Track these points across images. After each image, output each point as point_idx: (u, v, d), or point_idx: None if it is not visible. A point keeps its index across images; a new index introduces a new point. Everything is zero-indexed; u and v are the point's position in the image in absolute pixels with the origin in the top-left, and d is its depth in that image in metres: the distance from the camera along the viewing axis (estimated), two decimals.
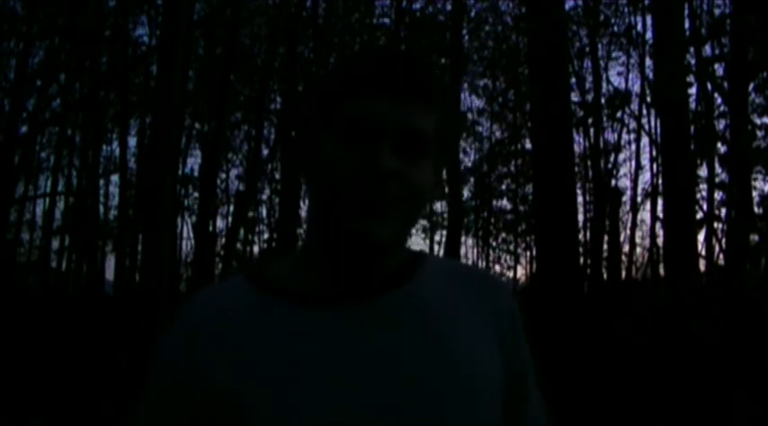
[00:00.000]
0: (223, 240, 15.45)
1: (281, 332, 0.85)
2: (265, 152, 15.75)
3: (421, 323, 0.87)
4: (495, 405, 0.88)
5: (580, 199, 12.82)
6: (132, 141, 17.78)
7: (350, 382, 0.82)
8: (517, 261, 19.60)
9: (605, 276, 12.55)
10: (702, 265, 7.55)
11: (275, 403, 0.80)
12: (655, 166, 12.13)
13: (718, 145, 6.42)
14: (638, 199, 13.71)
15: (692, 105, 9.37)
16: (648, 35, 11.59)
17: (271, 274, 0.91)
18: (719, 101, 8.19)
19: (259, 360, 0.83)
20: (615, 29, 12.98)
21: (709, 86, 8.60)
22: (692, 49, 8.03)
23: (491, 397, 0.88)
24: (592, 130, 13.15)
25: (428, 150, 0.86)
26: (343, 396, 0.81)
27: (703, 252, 8.01)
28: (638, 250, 14.53)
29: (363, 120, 0.83)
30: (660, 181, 9.02)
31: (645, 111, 12.34)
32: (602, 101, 12.85)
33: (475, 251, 21.49)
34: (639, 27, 12.48)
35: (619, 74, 33.51)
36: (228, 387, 0.82)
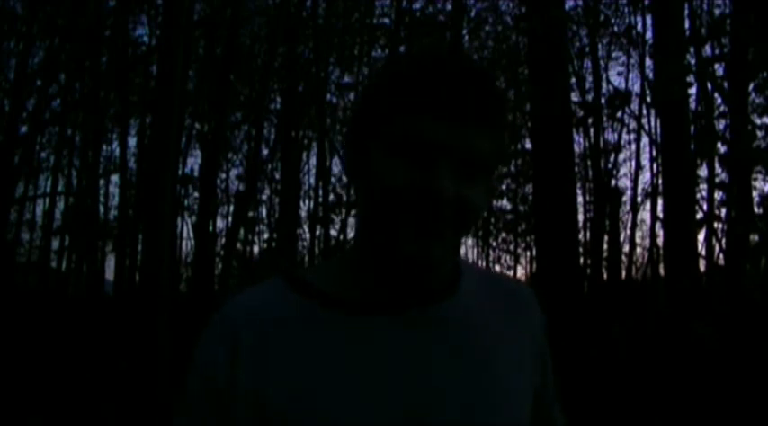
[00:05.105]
0: (223, 240, 15.47)
1: (320, 337, 0.84)
2: (265, 152, 15.74)
3: (463, 336, 0.88)
4: (527, 418, 0.90)
5: (580, 199, 12.80)
6: (132, 141, 17.81)
7: (386, 391, 0.82)
8: (517, 261, 19.58)
9: (605, 276, 12.54)
10: (702, 265, 7.56)
11: (311, 409, 0.80)
12: (655, 166, 12.12)
13: (718, 145, 6.43)
14: (638, 199, 13.68)
15: (692, 105, 9.38)
16: (648, 35, 11.60)
17: (311, 279, 0.90)
18: (719, 101, 8.20)
19: (296, 365, 0.83)
20: (615, 29, 12.98)
21: (709, 86, 8.61)
22: (692, 49, 8.04)
23: (525, 411, 0.90)
24: (592, 130, 13.15)
25: (485, 172, 0.84)
26: (378, 405, 0.81)
27: (703, 252, 8.01)
28: (638, 250, 14.52)
29: (421, 139, 0.79)
30: (660, 181, 9.01)
31: (645, 111, 12.34)
32: (602, 101, 12.84)
33: (475, 251, 21.49)
34: (639, 27, 12.50)
35: (619, 74, 33.51)
36: (269, 391, 0.81)
